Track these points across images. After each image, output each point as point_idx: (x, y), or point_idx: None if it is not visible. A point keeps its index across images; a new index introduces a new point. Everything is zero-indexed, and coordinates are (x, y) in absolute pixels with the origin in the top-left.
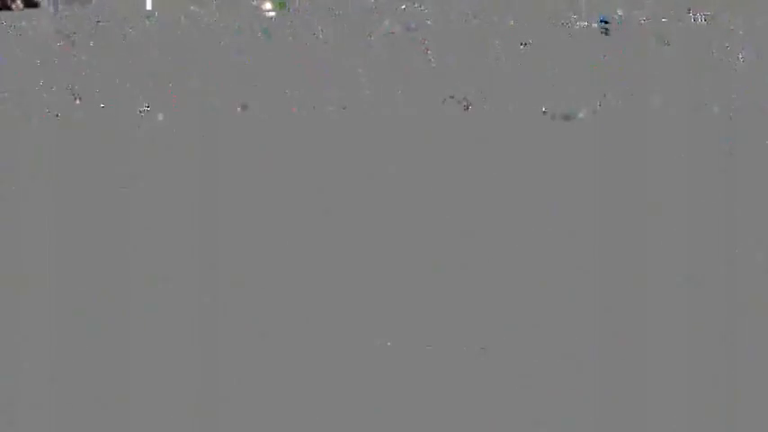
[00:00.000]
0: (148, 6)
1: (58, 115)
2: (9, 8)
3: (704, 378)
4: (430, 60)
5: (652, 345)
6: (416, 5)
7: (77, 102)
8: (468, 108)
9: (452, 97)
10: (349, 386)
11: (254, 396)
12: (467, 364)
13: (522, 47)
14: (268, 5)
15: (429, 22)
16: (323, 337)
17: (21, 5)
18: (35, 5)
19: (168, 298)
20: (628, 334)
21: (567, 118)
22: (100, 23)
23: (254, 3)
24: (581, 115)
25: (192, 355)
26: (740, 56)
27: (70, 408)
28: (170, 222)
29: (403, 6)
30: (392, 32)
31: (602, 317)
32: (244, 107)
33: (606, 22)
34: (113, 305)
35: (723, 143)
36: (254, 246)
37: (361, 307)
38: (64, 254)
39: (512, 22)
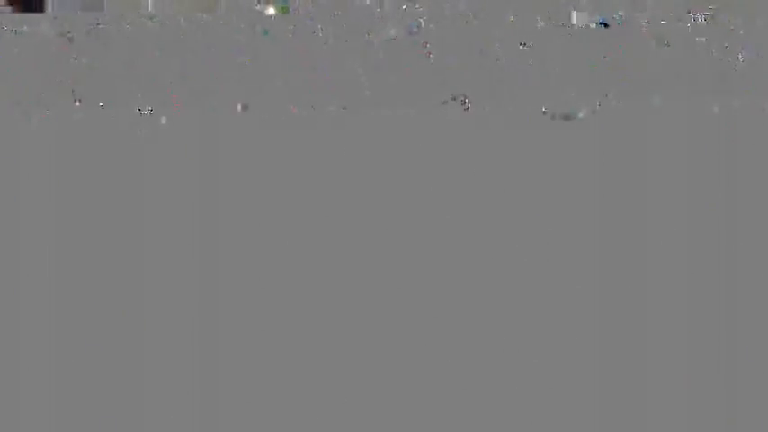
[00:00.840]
0: (150, 8)
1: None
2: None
3: (704, 379)
4: (431, 62)
5: (652, 345)
6: (417, 7)
7: (77, 103)
8: (467, 108)
9: (454, 99)
10: (349, 387)
11: (254, 397)
12: (466, 367)
13: (521, 47)
14: (271, 10)
15: (432, 26)
16: (325, 339)
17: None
18: (39, 8)
19: (169, 299)
20: (628, 335)
21: (567, 118)
22: (100, 26)
23: (258, 7)
24: (581, 115)
25: (193, 357)
26: (740, 56)
27: (69, 408)
28: (171, 223)
29: (404, 7)
30: (394, 38)
31: (602, 316)
32: (245, 107)
33: (606, 25)
34: (113, 306)
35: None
36: (255, 245)
37: (360, 306)
38: (64, 255)
39: (512, 18)
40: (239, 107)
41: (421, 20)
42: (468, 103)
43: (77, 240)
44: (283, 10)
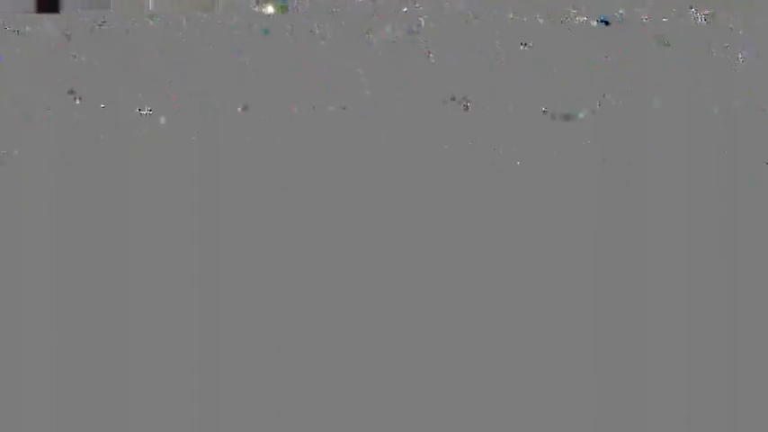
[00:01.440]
0: (151, 6)
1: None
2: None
3: (704, 382)
4: (431, 61)
5: (652, 346)
6: (417, 6)
7: (77, 102)
8: (467, 108)
9: (453, 99)
10: (346, 389)
11: (253, 396)
12: (465, 367)
13: (522, 47)
14: (270, 9)
15: (432, 25)
16: (325, 341)
17: None
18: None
19: (169, 299)
20: (627, 335)
21: (567, 118)
22: (102, 26)
23: (256, 8)
24: (581, 115)
25: (191, 358)
26: (740, 56)
27: (67, 408)
28: (171, 223)
29: (404, 9)
30: (395, 39)
31: (602, 316)
32: (245, 108)
33: (607, 23)
34: (113, 307)
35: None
36: (255, 245)
37: (360, 306)
38: (64, 254)
39: (511, 16)
40: (240, 108)
41: (421, 19)
42: (468, 103)
43: (77, 240)
44: (282, 9)
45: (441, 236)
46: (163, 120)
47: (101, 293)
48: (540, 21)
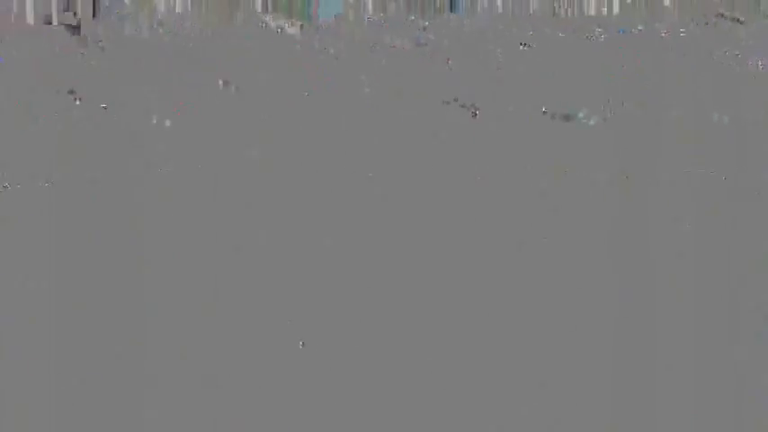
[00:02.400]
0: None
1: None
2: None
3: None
4: (434, 65)
5: (656, 355)
6: (425, 22)
7: (78, 102)
8: (475, 115)
9: (456, 100)
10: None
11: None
12: (466, 371)
13: (521, 47)
14: (293, 30)
15: (435, 37)
16: (324, 344)
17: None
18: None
19: (168, 299)
20: (636, 340)
21: (567, 118)
22: (99, 27)
23: (267, 18)
24: (592, 122)
25: (190, 357)
26: (760, 63)
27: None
28: (171, 223)
29: (412, 18)
30: (404, 49)
31: (605, 316)
32: (226, 83)
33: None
34: (112, 307)
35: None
36: (253, 246)
37: (359, 308)
38: (64, 255)
39: (530, 33)
40: (221, 83)
41: (430, 36)
42: (476, 109)
43: (77, 241)
44: (302, 26)
45: (442, 236)
46: (168, 122)
47: (101, 293)
48: (562, 36)
